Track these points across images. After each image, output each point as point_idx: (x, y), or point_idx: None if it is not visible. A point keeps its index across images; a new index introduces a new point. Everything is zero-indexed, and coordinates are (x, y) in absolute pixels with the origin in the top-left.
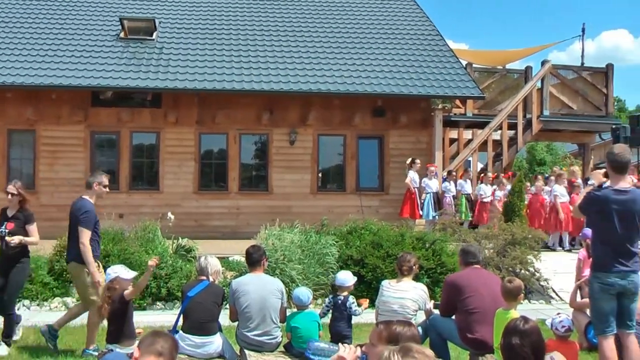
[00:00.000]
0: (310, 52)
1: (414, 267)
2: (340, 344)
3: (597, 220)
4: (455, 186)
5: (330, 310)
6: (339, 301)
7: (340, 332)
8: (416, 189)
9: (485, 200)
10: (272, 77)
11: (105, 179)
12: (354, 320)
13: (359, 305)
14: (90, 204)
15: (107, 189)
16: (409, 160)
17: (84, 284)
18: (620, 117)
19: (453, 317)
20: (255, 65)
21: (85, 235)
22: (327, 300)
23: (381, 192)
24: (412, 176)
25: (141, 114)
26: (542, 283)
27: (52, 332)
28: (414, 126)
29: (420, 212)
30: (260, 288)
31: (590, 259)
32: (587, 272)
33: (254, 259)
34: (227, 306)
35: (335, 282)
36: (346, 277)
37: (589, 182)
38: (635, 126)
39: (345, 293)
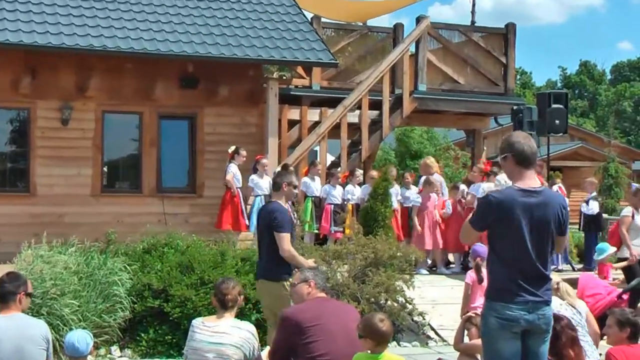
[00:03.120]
0: None
1: (238, 298)
2: None
3: (496, 233)
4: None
5: None
6: None
7: None
8: (239, 190)
9: (335, 204)
10: (34, 26)
11: (294, 179)
12: None
13: None
14: (283, 207)
15: (297, 190)
16: (232, 149)
17: (283, 304)
18: (524, 96)
19: None
20: (9, 7)
21: (285, 240)
22: None
23: (192, 194)
24: (235, 172)
25: None
26: (416, 318)
27: None
28: (238, 102)
29: (247, 222)
30: (15, 334)
31: (484, 284)
32: (478, 302)
33: (4, 293)
34: None
35: None
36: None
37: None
38: (545, 108)
39: None
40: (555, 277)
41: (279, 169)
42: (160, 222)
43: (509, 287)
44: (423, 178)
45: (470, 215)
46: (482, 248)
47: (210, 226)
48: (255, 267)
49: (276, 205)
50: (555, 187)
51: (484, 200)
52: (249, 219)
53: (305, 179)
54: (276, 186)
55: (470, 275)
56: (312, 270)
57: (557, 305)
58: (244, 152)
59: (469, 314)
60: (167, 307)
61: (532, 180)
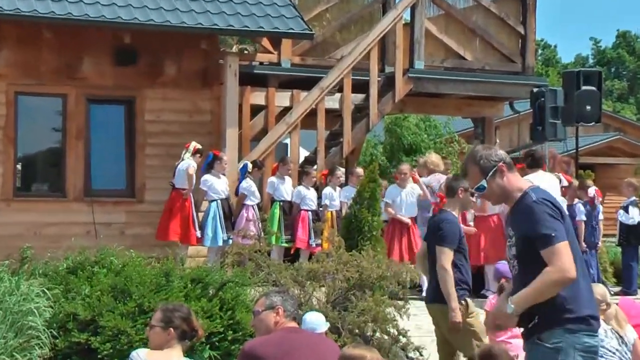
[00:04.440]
0: None
1: (191, 330)
2: None
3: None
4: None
5: None
6: None
7: None
8: (191, 194)
9: (311, 210)
10: None
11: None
12: None
13: None
14: (453, 218)
15: (475, 198)
16: (197, 146)
17: (463, 333)
18: (546, 75)
19: None
20: None
21: (445, 256)
22: None
23: (130, 198)
24: (189, 166)
25: None
26: (411, 354)
27: None
28: (188, 83)
29: (199, 234)
30: None
31: None
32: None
33: None
34: None
35: (303, 327)
36: (317, 320)
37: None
38: (573, 90)
39: None
40: (603, 292)
41: (240, 166)
42: (90, 234)
43: (594, 310)
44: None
45: (545, 228)
46: (506, 267)
47: (152, 239)
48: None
49: (446, 215)
50: (591, 191)
51: (549, 205)
52: (201, 229)
53: (273, 180)
54: (450, 192)
55: (492, 301)
56: (281, 294)
57: (601, 332)
58: (197, 147)
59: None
60: (96, 342)
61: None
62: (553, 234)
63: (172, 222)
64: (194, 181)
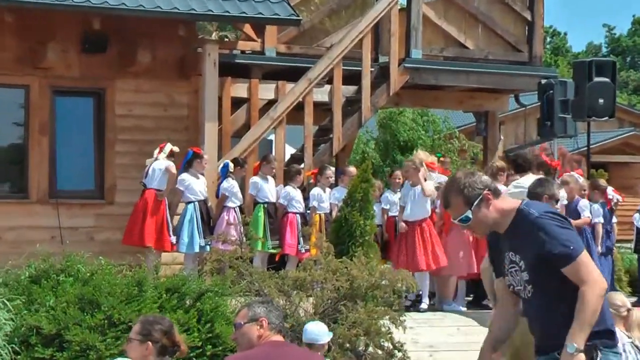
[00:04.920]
0: None
1: (173, 345)
2: None
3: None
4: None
5: None
6: None
7: None
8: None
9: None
10: None
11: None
12: None
13: None
14: None
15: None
16: (174, 149)
17: None
18: (555, 65)
19: None
20: None
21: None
22: None
23: (99, 199)
24: (170, 165)
25: None
26: None
27: None
28: (163, 73)
29: (173, 239)
30: None
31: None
32: None
33: None
34: None
35: (304, 338)
36: (319, 331)
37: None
38: (584, 82)
39: None
40: (622, 297)
41: (220, 165)
42: (55, 240)
43: (613, 323)
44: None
45: (560, 244)
46: None
47: (124, 245)
48: None
49: None
50: (610, 193)
51: (553, 216)
52: (176, 234)
53: (256, 180)
54: (534, 198)
55: None
56: (265, 305)
57: (620, 347)
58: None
59: None
60: (62, 357)
61: None
62: (571, 247)
63: (146, 226)
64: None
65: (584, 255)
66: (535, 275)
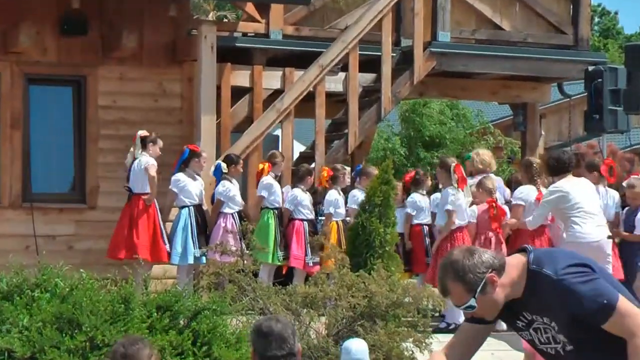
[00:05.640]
0: None
1: None
2: None
3: None
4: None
5: None
6: None
7: None
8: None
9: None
10: None
11: None
12: None
13: None
14: None
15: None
16: (142, 132)
17: None
18: (605, 50)
19: None
20: None
21: None
22: None
23: (80, 203)
24: (148, 163)
25: None
26: None
27: None
28: (153, 58)
29: (168, 249)
30: None
31: None
32: None
33: None
34: None
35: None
36: (365, 349)
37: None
38: (639, 69)
39: None
40: None
41: (223, 164)
42: (29, 250)
43: None
44: (475, 179)
45: (592, 301)
46: None
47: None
48: None
49: None
50: None
51: (571, 271)
52: (169, 241)
53: (270, 181)
54: None
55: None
56: (253, 332)
57: None
58: (160, 142)
59: None
60: None
61: None
62: (605, 301)
63: (138, 236)
64: (156, 182)
65: (622, 302)
66: (575, 333)
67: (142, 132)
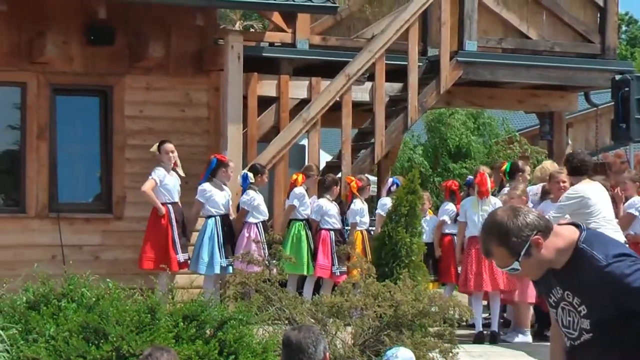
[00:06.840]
0: None
1: None
2: None
3: None
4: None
5: None
6: None
7: None
8: (169, 207)
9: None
10: None
11: None
12: None
13: None
14: None
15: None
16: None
17: None
18: (632, 58)
19: None
20: None
21: None
22: None
23: (107, 213)
24: (161, 178)
25: None
26: None
27: None
28: (179, 68)
29: (180, 257)
30: None
31: None
32: None
33: None
34: None
35: None
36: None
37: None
38: None
39: None
40: None
41: (250, 174)
42: (56, 259)
43: None
44: (538, 187)
45: None
46: None
47: (134, 265)
48: None
49: None
50: None
51: (621, 258)
52: (194, 253)
53: (300, 191)
54: None
55: None
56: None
57: None
58: (170, 146)
59: None
60: None
61: None
62: None
63: (146, 247)
64: (173, 193)
65: None
66: (602, 324)
67: (154, 148)
